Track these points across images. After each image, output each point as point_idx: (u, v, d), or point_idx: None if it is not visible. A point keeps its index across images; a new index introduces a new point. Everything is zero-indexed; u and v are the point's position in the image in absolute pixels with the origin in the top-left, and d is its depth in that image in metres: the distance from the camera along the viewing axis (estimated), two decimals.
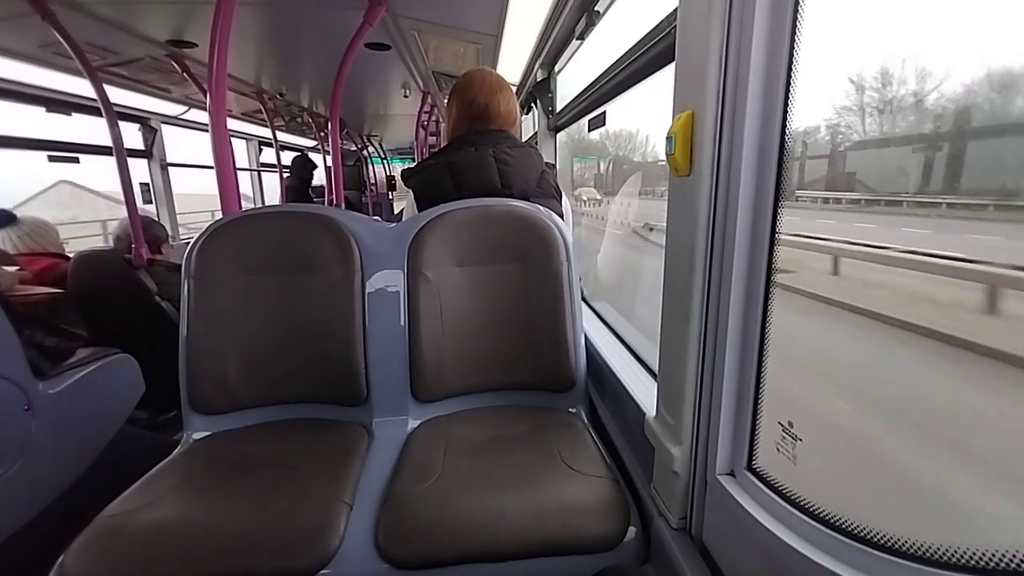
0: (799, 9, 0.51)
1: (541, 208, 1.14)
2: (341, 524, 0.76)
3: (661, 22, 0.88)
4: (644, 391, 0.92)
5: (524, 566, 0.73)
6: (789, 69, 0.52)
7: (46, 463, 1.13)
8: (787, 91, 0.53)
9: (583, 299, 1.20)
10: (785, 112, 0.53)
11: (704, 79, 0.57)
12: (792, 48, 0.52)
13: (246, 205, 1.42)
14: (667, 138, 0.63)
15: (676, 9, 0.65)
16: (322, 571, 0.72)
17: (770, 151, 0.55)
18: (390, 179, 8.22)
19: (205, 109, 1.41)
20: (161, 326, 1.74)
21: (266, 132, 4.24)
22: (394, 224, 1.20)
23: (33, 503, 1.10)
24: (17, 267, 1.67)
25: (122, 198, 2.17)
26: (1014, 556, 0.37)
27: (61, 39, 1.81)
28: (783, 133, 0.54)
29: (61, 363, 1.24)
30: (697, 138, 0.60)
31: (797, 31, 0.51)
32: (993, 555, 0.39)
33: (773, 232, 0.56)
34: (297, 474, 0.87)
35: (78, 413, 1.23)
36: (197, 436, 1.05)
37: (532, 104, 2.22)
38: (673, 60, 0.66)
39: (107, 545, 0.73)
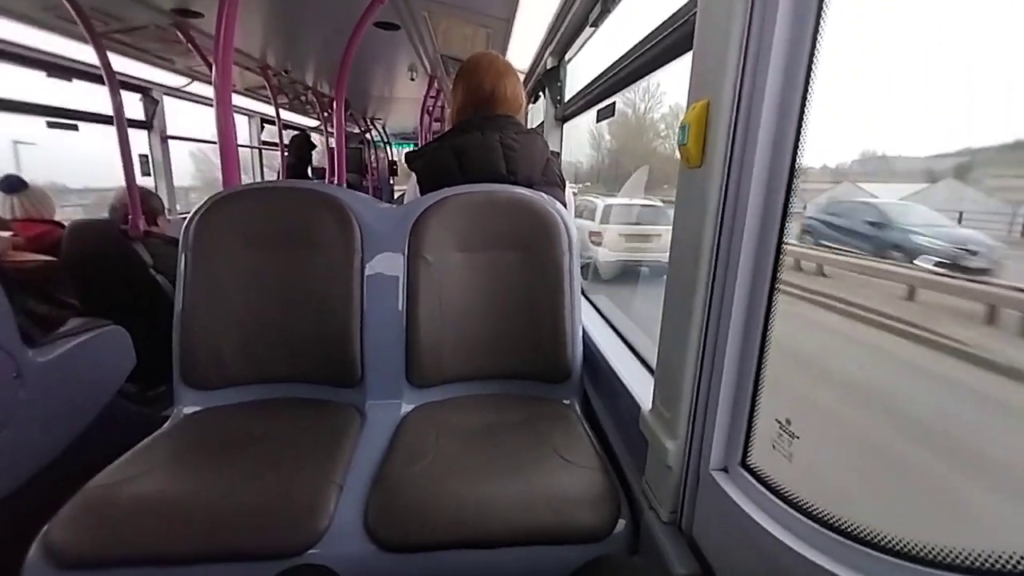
0: (824, 3, 0.50)
1: (545, 197, 1.13)
2: (331, 504, 0.76)
3: (680, 9, 0.86)
4: (639, 385, 0.92)
5: (512, 553, 0.73)
6: (810, 64, 0.51)
7: (33, 432, 1.12)
8: (806, 86, 0.52)
9: (581, 291, 1.19)
10: (803, 107, 0.52)
11: (722, 69, 0.56)
12: (814, 42, 0.51)
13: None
14: (680, 128, 0.62)
15: None
16: (310, 551, 0.72)
17: (784, 147, 0.54)
18: (392, 164, 8.16)
19: (208, 82, 1.40)
20: (155, 299, 1.73)
21: (269, 109, 4.19)
22: (396, 206, 1.19)
23: (19, 472, 1.09)
24: (11, 232, 1.65)
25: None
26: (1011, 557, 0.37)
27: (65, 2, 1.77)
28: (799, 129, 0.53)
29: (52, 332, 1.22)
30: (711, 129, 0.59)
31: (820, 25, 0.50)
32: (988, 556, 0.39)
33: (782, 230, 0.55)
34: (288, 453, 0.86)
35: (67, 383, 1.22)
36: (188, 411, 1.04)
37: (540, 93, 2.20)
38: (690, 49, 0.64)
39: (93, 515, 0.72)
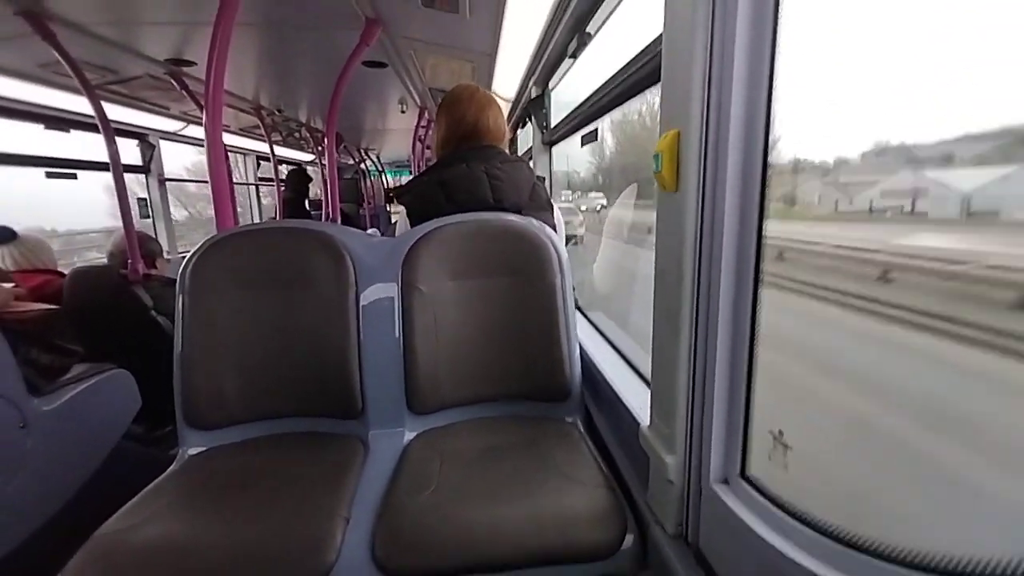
0: (777, 34, 0.54)
1: (534, 221, 1.16)
2: (338, 537, 0.76)
3: (648, 45, 0.91)
4: (639, 401, 0.93)
5: None
6: (770, 90, 0.55)
7: (42, 480, 1.12)
8: (768, 110, 0.55)
9: (578, 308, 1.21)
10: (767, 130, 0.56)
11: (688, 100, 0.60)
12: (771, 70, 0.55)
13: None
14: (654, 156, 0.66)
15: (661, 34, 0.68)
16: None
17: (753, 167, 0.57)
18: (388, 191, 8.28)
19: (203, 125, 1.44)
20: (157, 341, 1.74)
21: (264, 147, 4.28)
22: (388, 238, 1.22)
23: (29, 521, 1.09)
24: (12, 284, 1.67)
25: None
26: (1018, 563, 0.38)
27: (61, 59, 1.84)
28: (765, 150, 0.56)
29: (56, 379, 1.23)
30: (683, 156, 0.62)
31: (775, 54, 0.54)
32: (996, 564, 0.38)
33: (759, 243, 0.58)
34: (293, 488, 0.87)
35: (74, 429, 1.22)
36: (193, 451, 1.04)
37: (527, 120, 2.27)
38: (659, 81, 0.68)
39: (105, 562, 0.72)
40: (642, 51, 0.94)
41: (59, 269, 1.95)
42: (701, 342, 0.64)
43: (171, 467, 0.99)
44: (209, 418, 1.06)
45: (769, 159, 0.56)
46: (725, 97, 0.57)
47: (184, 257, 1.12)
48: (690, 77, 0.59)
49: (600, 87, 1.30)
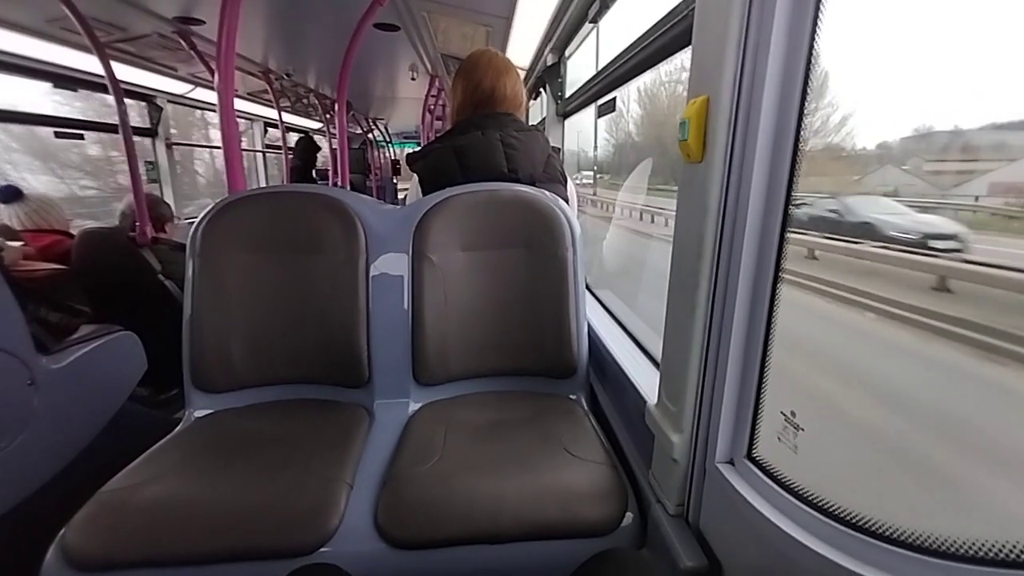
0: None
1: (548, 194, 1.13)
2: (341, 503, 0.77)
3: (679, 5, 0.86)
4: (645, 379, 0.92)
5: (522, 548, 0.74)
6: (809, 58, 0.51)
7: (48, 437, 1.14)
8: (805, 80, 0.52)
9: (586, 286, 1.20)
10: (803, 102, 0.52)
11: (721, 65, 0.56)
12: (813, 37, 0.51)
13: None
14: (680, 123, 0.62)
15: None
16: (322, 549, 0.73)
17: (785, 141, 0.54)
18: (395, 163, 8.19)
19: (211, 88, 1.41)
20: (164, 304, 1.75)
21: (272, 113, 4.21)
22: (400, 207, 1.20)
23: (34, 477, 1.11)
24: (21, 243, 1.67)
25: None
26: (1013, 547, 0.37)
27: (69, 13, 1.79)
28: (799, 123, 0.53)
29: (64, 339, 1.24)
30: (711, 125, 0.59)
31: (819, 19, 0.50)
32: (1000, 547, 0.38)
33: (784, 223, 0.55)
34: (298, 453, 0.87)
35: (80, 389, 1.24)
36: (199, 414, 1.05)
37: (541, 89, 2.20)
38: (689, 44, 0.64)
39: (108, 519, 0.74)
40: (672, 10, 0.89)
41: (69, 230, 1.95)
42: (717, 321, 0.62)
43: (177, 428, 1.00)
44: (216, 381, 1.06)
45: (803, 133, 0.53)
46: (760, 63, 0.53)
47: (191, 223, 1.10)
48: (724, 39, 0.55)
49: (622, 52, 1.24)
